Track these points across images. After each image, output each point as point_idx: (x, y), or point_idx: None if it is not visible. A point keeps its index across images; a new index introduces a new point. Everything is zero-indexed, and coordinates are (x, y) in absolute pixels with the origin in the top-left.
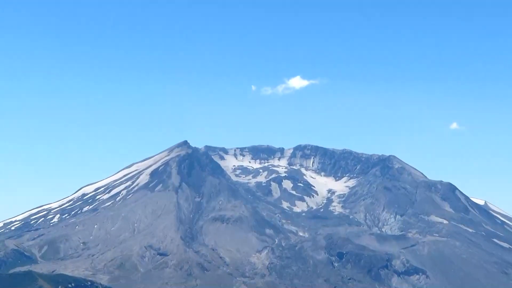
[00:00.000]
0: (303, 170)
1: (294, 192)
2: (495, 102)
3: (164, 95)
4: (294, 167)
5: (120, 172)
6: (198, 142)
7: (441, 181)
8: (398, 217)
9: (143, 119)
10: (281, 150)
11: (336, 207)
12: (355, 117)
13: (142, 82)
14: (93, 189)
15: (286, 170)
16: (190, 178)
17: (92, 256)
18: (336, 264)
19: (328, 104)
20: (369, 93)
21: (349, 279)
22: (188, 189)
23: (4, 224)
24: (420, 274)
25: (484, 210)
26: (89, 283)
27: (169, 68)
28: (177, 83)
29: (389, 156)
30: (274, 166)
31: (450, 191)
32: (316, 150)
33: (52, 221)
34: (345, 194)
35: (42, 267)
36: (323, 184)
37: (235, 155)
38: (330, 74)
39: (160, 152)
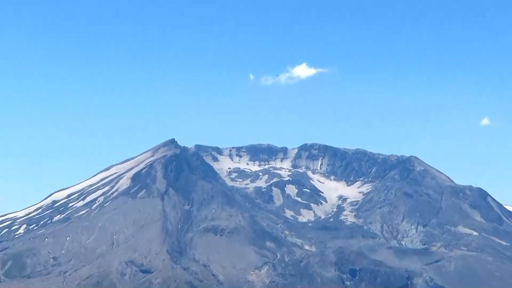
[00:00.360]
0: (309, 173)
1: (299, 199)
2: None
3: (147, 86)
4: (299, 170)
5: (97, 176)
6: (188, 141)
7: (471, 186)
8: (420, 228)
9: (124, 113)
10: (284, 150)
11: (348, 216)
12: (370, 112)
13: (121, 71)
14: (65, 196)
15: (290, 173)
16: (178, 183)
17: (64, 273)
18: (348, 283)
19: (339, 97)
20: (387, 85)
21: None
22: (175, 195)
23: None
24: None
25: None
26: None
27: (153, 56)
28: (162, 72)
29: (410, 157)
30: (275, 168)
31: (480, 198)
32: (324, 150)
33: (17, 233)
34: (358, 201)
35: (5, 287)
36: (333, 189)
37: (230, 155)
38: (341, 62)
39: (143, 153)
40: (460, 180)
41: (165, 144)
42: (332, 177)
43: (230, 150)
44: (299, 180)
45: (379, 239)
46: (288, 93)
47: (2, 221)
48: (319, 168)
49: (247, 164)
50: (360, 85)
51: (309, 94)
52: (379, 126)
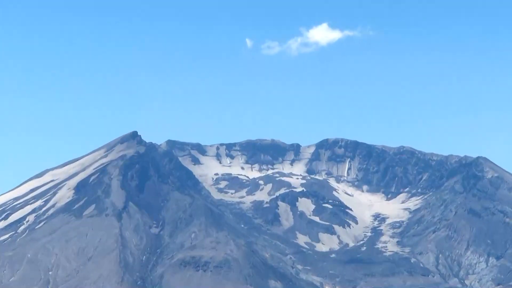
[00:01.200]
0: (332, 181)
1: (317, 219)
2: None
3: (97, 55)
4: (317, 177)
5: (25, 185)
6: (156, 135)
7: None
8: (492, 260)
9: (63, 97)
10: (296, 148)
11: (388, 244)
12: (419, 94)
13: (60, 37)
14: None
15: (304, 181)
16: (142, 195)
17: None
18: None
19: (375, 71)
20: (441, 55)
21: None
22: (138, 214)
23: None
24: None
25: None
26: None
27: (105, 11)
28: (118, 35)
29: (477, 158)
30: (283, 174)
31: None
32: (354, 148)
33: None
34: (403, 221)
35: None
36: (365, 205)
37: (218, 156)
38: (375, 22)
39: (92, 152)
40: None
41: (123, 140)
42: (365, 187)
43: (218, 148)
44: (317, 192)
45: (433, 276)
46: (301, 66)
47: None
48: (345, 174)
49: (242, 168)
50: (403, 54)
51: (331, 67)
52: (432, 115)
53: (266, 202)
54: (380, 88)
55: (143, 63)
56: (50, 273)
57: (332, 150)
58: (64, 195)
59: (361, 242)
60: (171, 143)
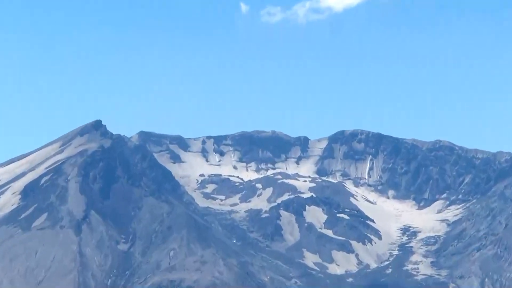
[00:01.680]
0: (349, 184)
1: (329, 233)
2: None
3: (48, 28)
4: (330, 179)
5: None
6: (125, 125)
7: None
8: None
9: (6, 79)
10: (303, 143)
11: (421, 265)
12: (460, 72)
13: (5, 13)
14: None
15: (314, 184)
16: (107, 202)
17: None
18: None
19: (401, 45)
20: (489, 25)
21: None
22: (103, 225)
23: None
24: None
25: None
26: None
27: None
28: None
29: None
30: (287, 176)
31: None
32: (377, 143)
33: None
34: (439, 236)
35: None
36: (391, 215)
37: (204, 152)
38: None
39: (44, 146)
40: None
41: (83, 131)
42: (391, 192)
43: (204, 142)
44: (330, 198)
45: None
46: (310, 37)
47: None
48: (366, 176)
49: (235, 167)
50: (439, 23)
51: (347, 40)
52: (477, 101)
53: (265, 211)
54: (410, 66)
55: (106, 34)
56: None
57: (349, 145)
58: (8, 201)
59: (386, 262)
60: (145, 135)
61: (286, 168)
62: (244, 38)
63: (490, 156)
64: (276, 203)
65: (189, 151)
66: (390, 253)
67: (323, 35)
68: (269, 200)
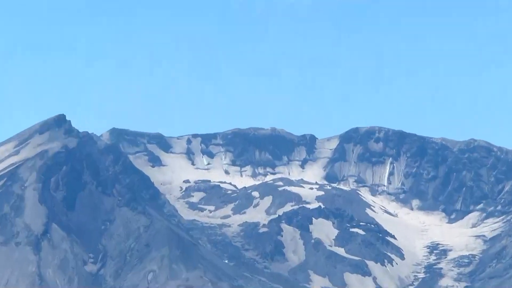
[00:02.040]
0: (365, 192)
1: (341, 251)
2: None
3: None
4: (341, 186)
5: None
6: (95, 121)
7: None
8: None
9: None
10: (309, 142)
11: None
12: (499, 57)
13: None
14: None
15: (322, 193)
16: (72, 214)
17: None
18: None
19: (428, 24)
20: None
21: None
22: (67, 241)
23: None
24: None
25: None
26: None
27: None
28: None
29: None
30: (289, 182)
31: None
32: (398, 142)
33: None
34: (474, 256)
35: None
36: (416, 229)
37: (189, 153)
38: None
39: None
40: None
41: (44, 128)
42: (416, 202)
43: (189, 142)
44: (342, 210)
45: None
46: (318, 15)
47: None
48: (386, 183)
49: (227, 172)
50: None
51: (362, 17)
52: None
53: (263, 225)
54: (439, 49)
55: (74, 9)
56: None
57: (365, 145)
58: None
59: (410, 287)
60: (118, 133)
61: (289, 173)
62: (239, 14)
63: None
64: (277, 215)
65: (171, 152)
66: (415, 276)
67: (333, 12)
68: (268, 212)
